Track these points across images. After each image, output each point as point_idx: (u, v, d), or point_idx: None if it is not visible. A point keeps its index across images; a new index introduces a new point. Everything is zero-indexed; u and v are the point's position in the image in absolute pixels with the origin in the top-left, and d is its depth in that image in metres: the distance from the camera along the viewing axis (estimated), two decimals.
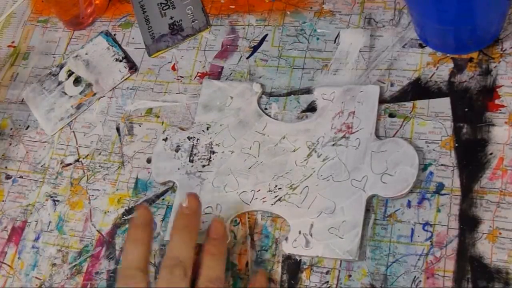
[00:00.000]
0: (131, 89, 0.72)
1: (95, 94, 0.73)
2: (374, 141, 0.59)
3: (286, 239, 0.58)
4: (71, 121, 0.73)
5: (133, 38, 0.75)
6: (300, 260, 0.58)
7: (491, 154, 0.56)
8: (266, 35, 0.70)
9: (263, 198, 0.60)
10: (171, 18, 0.74)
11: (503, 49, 0.60)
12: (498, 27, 0.60)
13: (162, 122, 0.68)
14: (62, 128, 0.73)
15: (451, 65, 0.61)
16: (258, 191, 0.61)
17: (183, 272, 0.52)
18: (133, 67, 0.73)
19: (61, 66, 0.76)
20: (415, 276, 0.54)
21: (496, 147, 0.56)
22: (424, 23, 0.61)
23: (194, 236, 0.55)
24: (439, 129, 0.58)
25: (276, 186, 0.60)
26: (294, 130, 0.63)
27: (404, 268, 0.54)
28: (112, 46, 0.75)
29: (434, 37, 0.61)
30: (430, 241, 0.55)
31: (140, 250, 0.54)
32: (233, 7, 0.73)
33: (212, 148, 0.64)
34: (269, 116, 0.65)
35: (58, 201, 0.68)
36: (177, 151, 0.65)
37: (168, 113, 0.69)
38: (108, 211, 0.66)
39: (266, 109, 0.65)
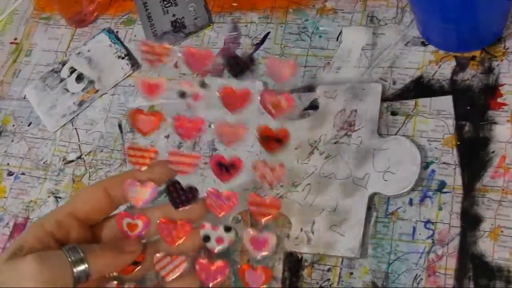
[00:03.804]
0: (133, 86, 0.72)
1: (97, 91, 0.73)
2: (376, 139, 0.59)
3: (288, 236, 0.58)
4: (73, 118, 0.73)
5: (135, 36, 0.75)
6: (302, 257, 0.58)
7: (493, 152, 0.56)
8: (269, 32, 0.70)
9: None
10: (174, 15, 0.74)
11: (506, 47, 0.60)
12: (500, 25, 0.60)
13: (164, 119, 0.68)
14: (64, 125, 0.73)
15: (454, 63, 0.61)
16: (259, 188, 0.61)
17: None
18: (135, 64, 0.73)
19: (64, 63, 0.76)
20: (416, 274, 0.54)
21: (498, 146, 0.56)
22: (426, 21, 0.61)
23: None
24: (441, 127, 0.58)
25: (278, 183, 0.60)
26: (296, 127, 0.62)
27: (406, 266, 0.54)
28: (114, 43, 0.75)
29: (437, 35, 0.61)
30: (432, 239, 0.55)
31: None
32: (236, 4, 0.73)
33: (214, 145, 0.64)
34: None
35: (60, 198, 0.68)
36: (179, 148, 0.65)
37: (170, 110, 0.69)
38: None
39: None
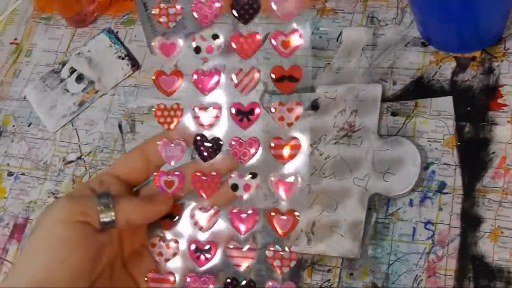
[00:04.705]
0: (133, 86, 0.72)
1: (97, 91, 0.73)
2: (376, 139, 0.59)
3: (288, 236, 0.58)
4: (73, 118, 0.73)
5: (135, 36, 0.75)
6: (302, 258, 0.58)
7: (493, 153, 0.56)
8: (269, 33, 0.69)
9: (265, 195, 0.60)
10: None
11: (506, 48, 0.60)
12: (501, 26, 0.60)
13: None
14: (64, 125, 0.73)
15: (454, 64, 0.61)
16: (260, 188, 0.60)
17: None
18: (135, 64, 0.73)
19: (64, 64, 0.76)
20: (416, 275, 0.54)
21: (498, 146, 0.56)
22: (427, 22, 0.61)
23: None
24: (442, 127, 0.58)
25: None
26: (296, 128, 0.62)
27: (406, 267, 0.54)
28: (114, 43, 0.75)
29: (437, 35, 0.61)
30: (432, 240, 0.55)
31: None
32: None
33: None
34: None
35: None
36: None
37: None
38: None
39: (268, 107, 0.65)
